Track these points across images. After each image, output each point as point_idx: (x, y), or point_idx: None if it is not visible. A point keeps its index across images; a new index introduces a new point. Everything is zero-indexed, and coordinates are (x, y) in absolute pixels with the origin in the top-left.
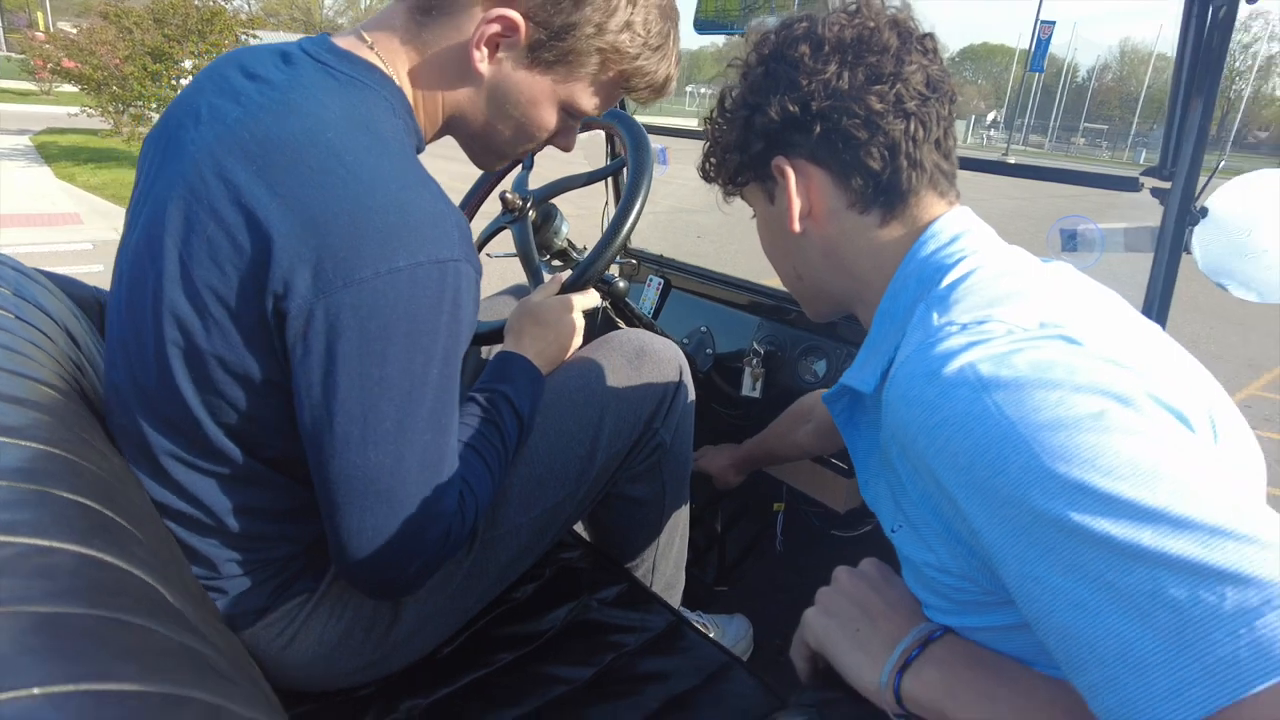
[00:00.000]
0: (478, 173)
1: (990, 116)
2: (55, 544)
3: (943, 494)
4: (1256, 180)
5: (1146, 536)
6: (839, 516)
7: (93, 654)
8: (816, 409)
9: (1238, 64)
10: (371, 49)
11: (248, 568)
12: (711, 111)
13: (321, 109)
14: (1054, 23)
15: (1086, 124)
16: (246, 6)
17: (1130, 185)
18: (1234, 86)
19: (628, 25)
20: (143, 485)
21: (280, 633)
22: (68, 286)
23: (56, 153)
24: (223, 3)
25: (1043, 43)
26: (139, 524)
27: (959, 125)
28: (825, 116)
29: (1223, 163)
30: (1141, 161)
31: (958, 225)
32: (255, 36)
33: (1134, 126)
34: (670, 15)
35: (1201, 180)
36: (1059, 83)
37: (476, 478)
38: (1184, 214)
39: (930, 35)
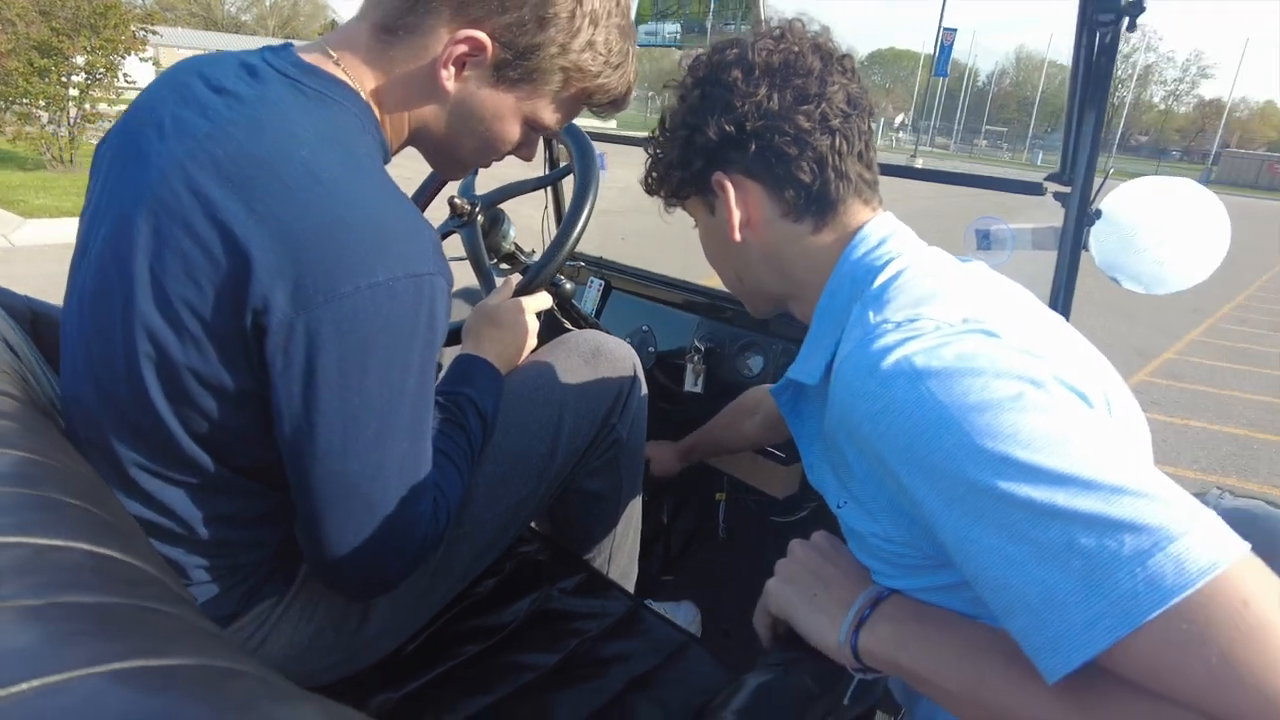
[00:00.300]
0: (419, 175)
1: (899, 119)
2: (68, 543)
3: (887, 472)
4: (1141, 186)
5: (1060, 497)
6: (777, 502)
7: (144, 634)
8: (764, 402)
9: (1119, 72)
10: (337, 64)
11: (217, 573)
12: (653, 131)
13: (293, 126)
14: (955, 30)
15: (988, 126)
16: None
17: (1036, 190)
18: (1117, 94)
19: (590, 45)
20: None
21: (250, 635)
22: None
23: None
24: None
25: (946, 48)
26: (129, 526)
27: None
28: (759, 135)
29: (1111, 165)
30: (1039, 163)
31: (883, 229)
32: (154, 32)
33: (1031, 129)
34: (629, 34)
35: (1096, 182)
36: (961, 87)
37: (448, 480)
38: (1082, 216)
39: (848, 56)
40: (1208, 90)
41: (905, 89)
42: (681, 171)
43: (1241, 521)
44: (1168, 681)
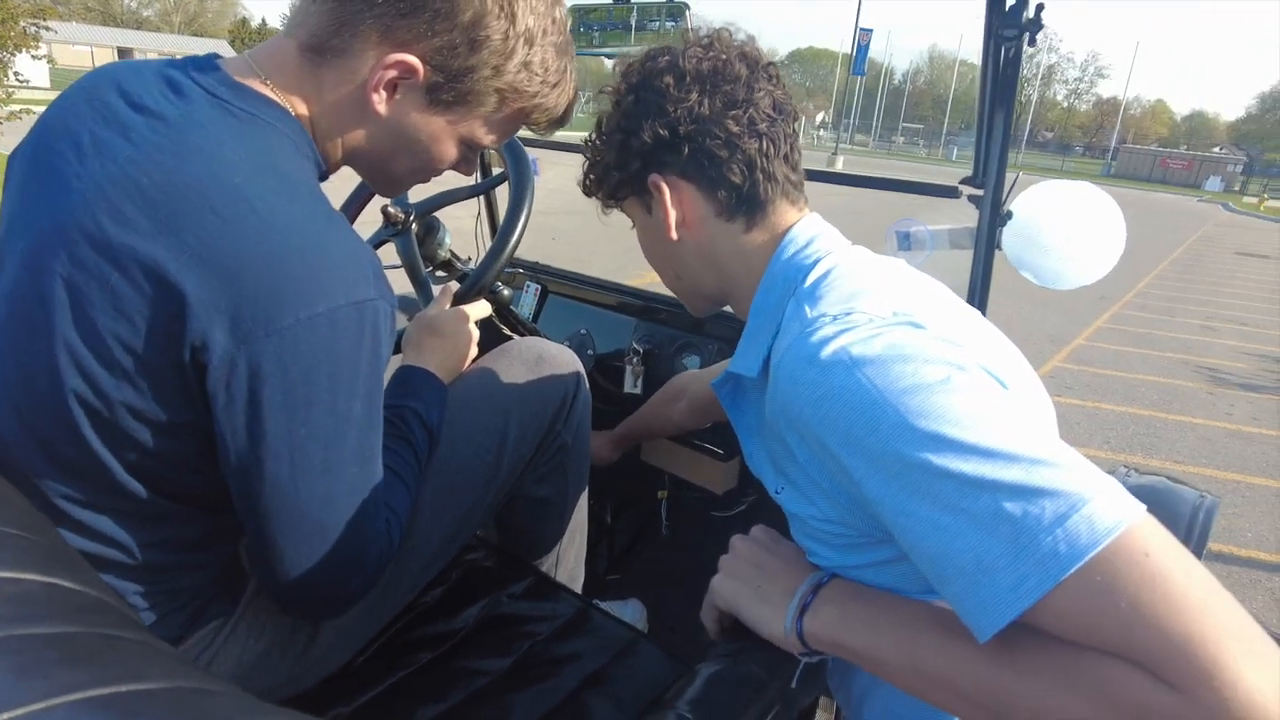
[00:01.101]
0: (349, 185)
1: (819, 117)
2: (19, 574)
3: (828, 455)
4: (1047, 189)
5: (987, 469)
6: (717, 498)
7: (111, 661)
8: (689, 387)
9: (1025, 72)
10: (266, 83)
11: (157, 599)
12: (590, 135)
13: (224, 150)
14: (872, 30)
15: (905, 124)
16: None
17: (952, 193)
18: (1023, 92)
19: (525, 65)
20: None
21: (196, 659)
22: None
23: None
24: None
25: (863, 48)
26: (72, 555)
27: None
28: (691, 139)
29: (1020, 160)
30: (954, 158)
31: (810, 230)
32: (47, 28)
33: (945, 125)
34: (566, 51)
35: (1007, 183)
36: (879, 85)
37: (397, 498)
38: (995, 216)
39: (773, 64)
40: (1105, 89)
41: (825, 88)
42: (619, 173)
43: (1146, 496)
44: (1085, 630)
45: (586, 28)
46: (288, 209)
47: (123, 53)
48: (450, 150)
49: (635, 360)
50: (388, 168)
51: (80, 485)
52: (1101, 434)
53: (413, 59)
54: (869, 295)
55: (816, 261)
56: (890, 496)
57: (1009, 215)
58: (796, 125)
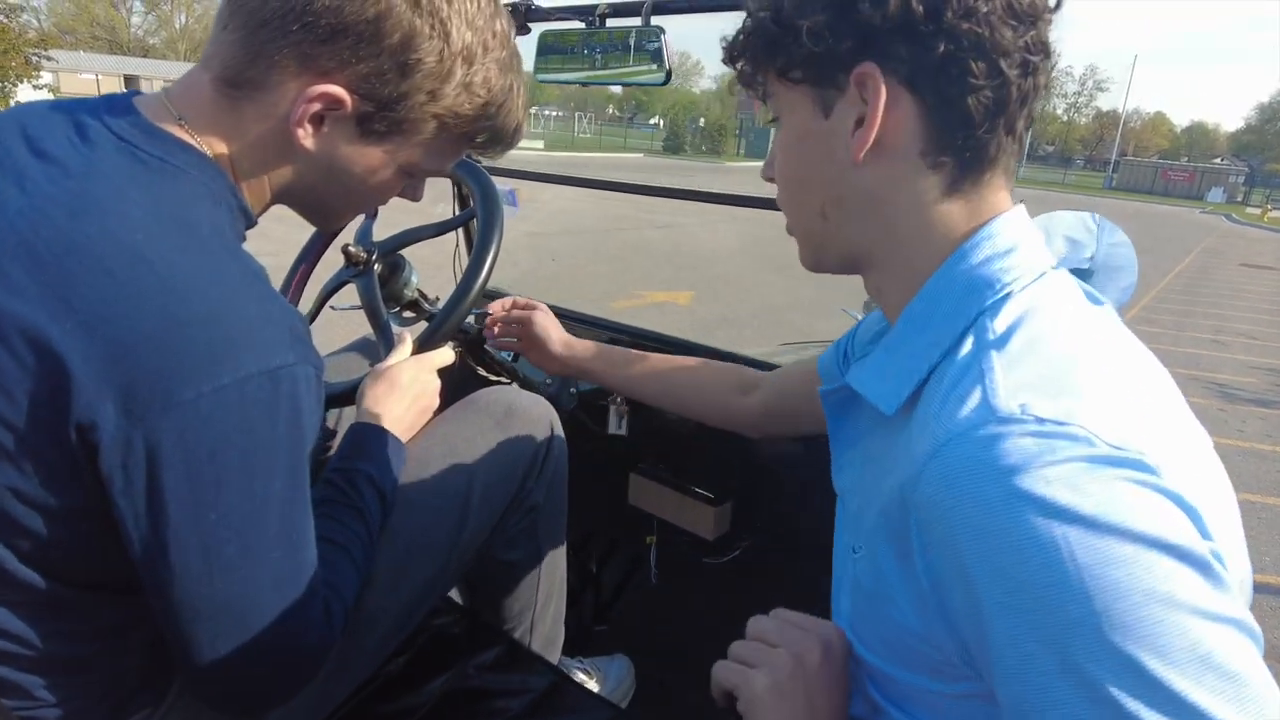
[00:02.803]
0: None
1: None
2: None
3: (963, 587)
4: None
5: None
6: (708, 544)
7: None
8: (764, 383)
9: None
10: (181, 123)
11: (69, 692)
12: None
13: (125, 204)
14: None
15: None
16: (36, 22)
17: None
18: None
19: (465, 87)
20: None
21: None
22: None
23: None
24: (3, 19)
25: None
26: None
27: None
28: (952, 35)
29: (1020, 173)
30: None
31: (1016, 233)
32: (49, 58)
33: None
34: (512, 67)
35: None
36: None
37: (341, 577)
38: None
39: None
40: (1104, 102)
41: None
42: (815, 43)
43: None
44: None
45: (557, 53)
46: (193, 268)
47: (129, 80)
48: (391, 181)
49: (619, 400)
50: (322, 204)
51: None
52: None
53: (337, 89)
54: (1091, 396)
55: (1013, 285)
56: (1018, 677)
57: None
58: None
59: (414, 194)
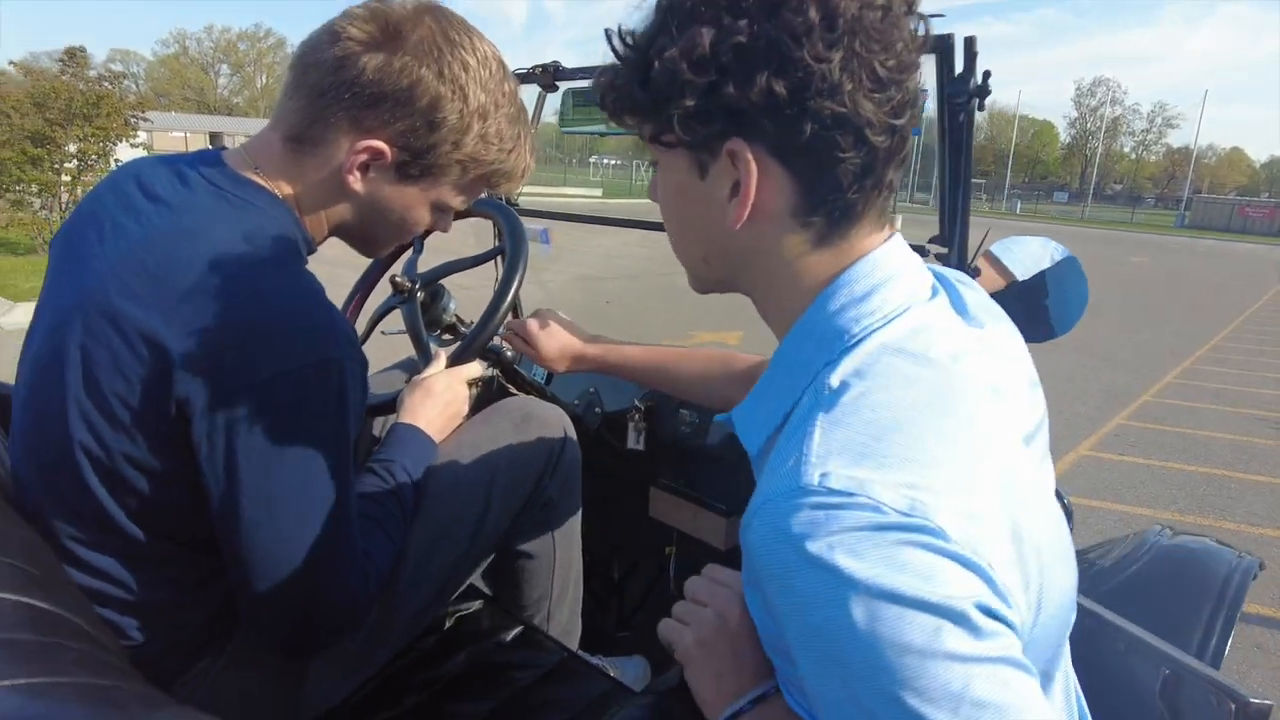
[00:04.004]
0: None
1: None
2: None
3: (780, 628)
4: (1007, 245)
5: None
6: (721, 554)
7: (45, 659)
8: (735, 362)
9: (1089, 125)
10: (257, 172)
11: (154, 635)
12: (630, 37)
13: (216, 232)
14: (926, 90)
15: None
16: (135, 87)
17: (920, 252)
18: (1088, 145)
19: (481, 138)
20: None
21: (192, 693)
22: None
23: None
24: (108, 86)
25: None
26: (61, 583)
27: None
28: (817, 116)
29: (1087, 212)
30: (1018, 211)
31: (881, 269)
32: (145, 119)
33: (1008, 180)
34: (519, 119)
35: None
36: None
37: (377, 546)
38: (963, 273)
39: (928, 35)
40: (1175, 139)
41: None
42: (685, 120)
43: (1179, 557)
44: None
45: (580, 106)
46: (267, 281)
47: (214, 137)
48: (423, 216)
49: (637, 417)
50: (369, 236)
51: (85, 527)
52: (1168, 494)
53: (380, 143)
54: (893, 462)
55: (864, 338)
56: (825, 707)
57: (975, 271)
58: None
59: (444, 226)
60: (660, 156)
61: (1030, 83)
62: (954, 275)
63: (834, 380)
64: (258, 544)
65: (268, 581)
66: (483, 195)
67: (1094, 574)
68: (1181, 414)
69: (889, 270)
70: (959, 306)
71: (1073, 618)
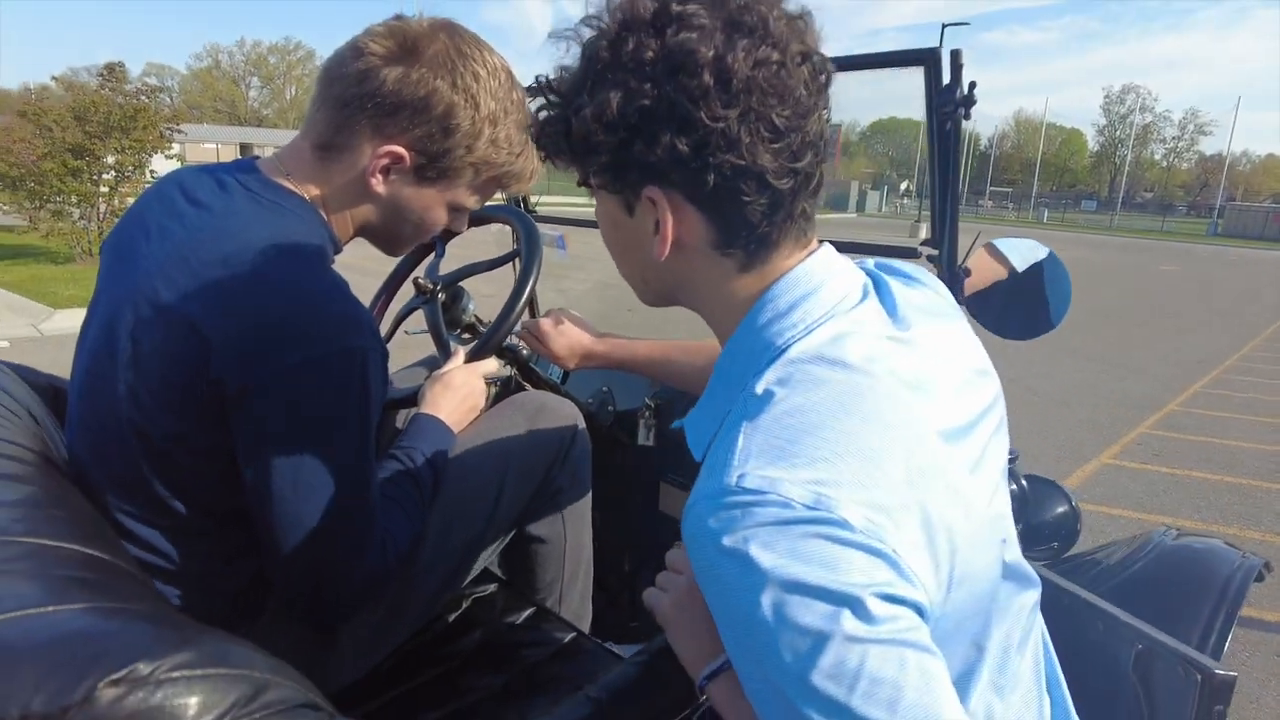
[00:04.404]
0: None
1: (904, 186)
2: (65, 544)
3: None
4: (1004, 241)
5: None
6: None
7: (113, 589)
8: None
9: (1118, 133)
10: (288, 178)
11: (195, 603)
12: (555, 91)
13: (251, 233)
14: (840, 124)
15: (993, 187)
16: (169, 100)
17: (912, 254)
18: (1117, 153)
19: (492, 142)
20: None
21: None
22: (25, 374)
23: None
24: (145, 100)
25: None
26: (119, 548)
27: (874, 195)
28: (719, 169)
29: (1116, 220)
30: (1045, 220)
31: (803, 283)
32: (180, 131)
33: (1035, 188)
34: (526, 126)
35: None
36: (963, 151)
37: (396, 524)
38: (953, 274)
39: (821, 55)
40: (1208, 146)
41: (908, 158)
42: (606, 172)
43: (1183, 556)
44: None
45: None
46: (297, 276)
47: (244, 148)
48: (440, 215)
49: (648, 414)
50: (391, 235)
51: (134, 502)
52: (1191, 503)
53: (399, 148)
54: (803, 461)
55: (786, 349)
56: (749, 679)
57: (966, 271)
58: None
59: (459, 226)
60: (594, 193)
61: (1058, 91)
62: (901, 277)
63: (759, 388)
64: (285, 515)
65: (294, 550)
66: (498, 200)
67: (1097, 572)
68: (1208, 423)
69: (810, 284)
70: (889, 308)
71: (1001, 591)
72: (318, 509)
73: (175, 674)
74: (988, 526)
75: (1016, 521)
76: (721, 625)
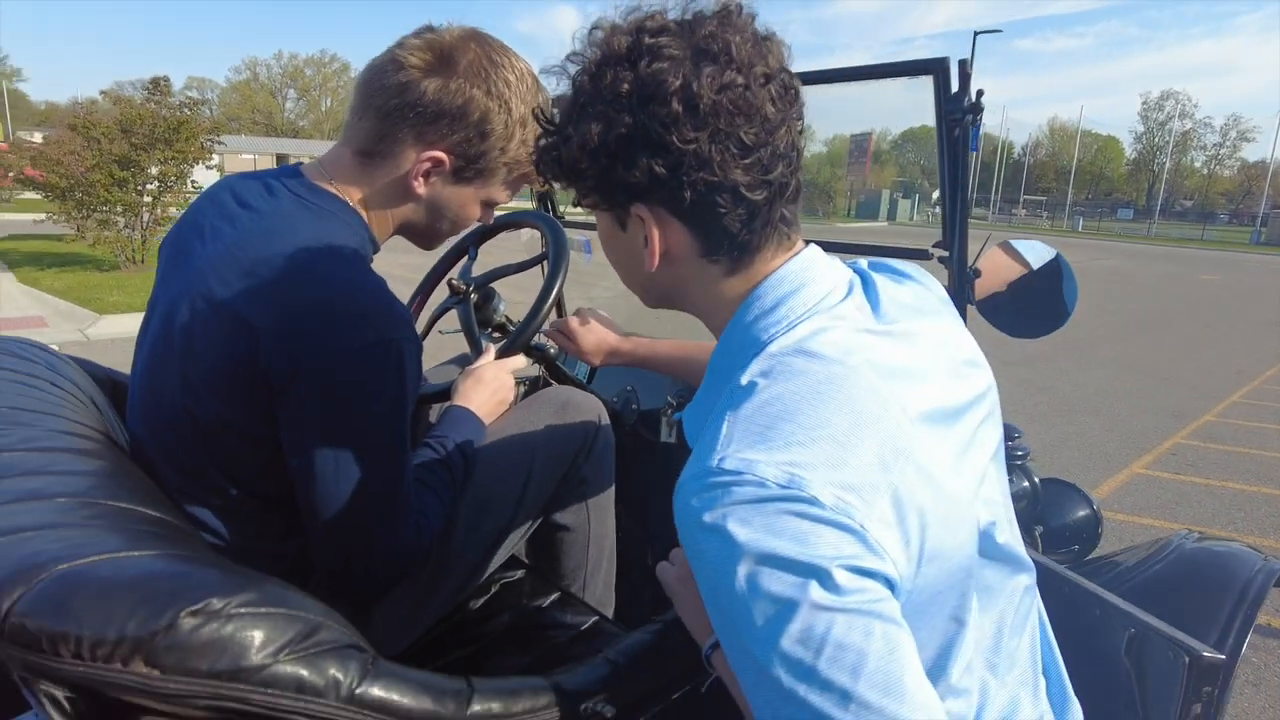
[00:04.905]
0: (429, 264)
1: (935, 194)
2: (136, 507)
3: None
4: (1018, 241)
5: (800, 689)
6: None
7: (183, 541)
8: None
9: (1156, 140)
10: (331, 183)
11: None
12: (550, 119)
13: (297, 234)
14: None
15: (1026, 196)
16: (209, 112)
17: (923, 255)
18: (1156, 160)
19: (523, 142)
20: None
21: None
22: (87, 367)
23: (19, 259)
24: (188, 112)
25: (975, 125)
26: (179, 514)
27: (905, 204)
28: (694, 186)
29: (1154, 229)
30: (1080, 229)
31: (784, 286)
32: (220, 142)
33: (1069, 197)
34: None
35: (979, 245)
36: (995, 160)
37: (429, 507)
38: (964, 275)
39: (788, 73)
40: (1251, 153)
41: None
42: (596, 194)
43: (1202, 558)
44: None
45: None
46: (339, 273)
47: (280, 158)
48: (476, 210)
49: (670, 412)
50: (429, 232)
51: (187, 481)
52: (1225, 514)
53: (440, 153)
54: (779, 445)
55: (769, 343)
56: (725, 643)
57: (976, 273)
58: (803, 138)
59: (488, 219)
60: (593, 210)
61: (1094, 98)
62: (890, 274)
63: (743, 380)
64: (326, 493)
65: (334, 526)
66: (529, 205)
67: (1117, 572)
68: (1245, 434)
69: (794, 283)
70: (873, 303)
71: (991, 573)
72: (357, 488)
73: (243, 610)
74: (965, 507)
75: (1035, 522)
76: (705, 598)
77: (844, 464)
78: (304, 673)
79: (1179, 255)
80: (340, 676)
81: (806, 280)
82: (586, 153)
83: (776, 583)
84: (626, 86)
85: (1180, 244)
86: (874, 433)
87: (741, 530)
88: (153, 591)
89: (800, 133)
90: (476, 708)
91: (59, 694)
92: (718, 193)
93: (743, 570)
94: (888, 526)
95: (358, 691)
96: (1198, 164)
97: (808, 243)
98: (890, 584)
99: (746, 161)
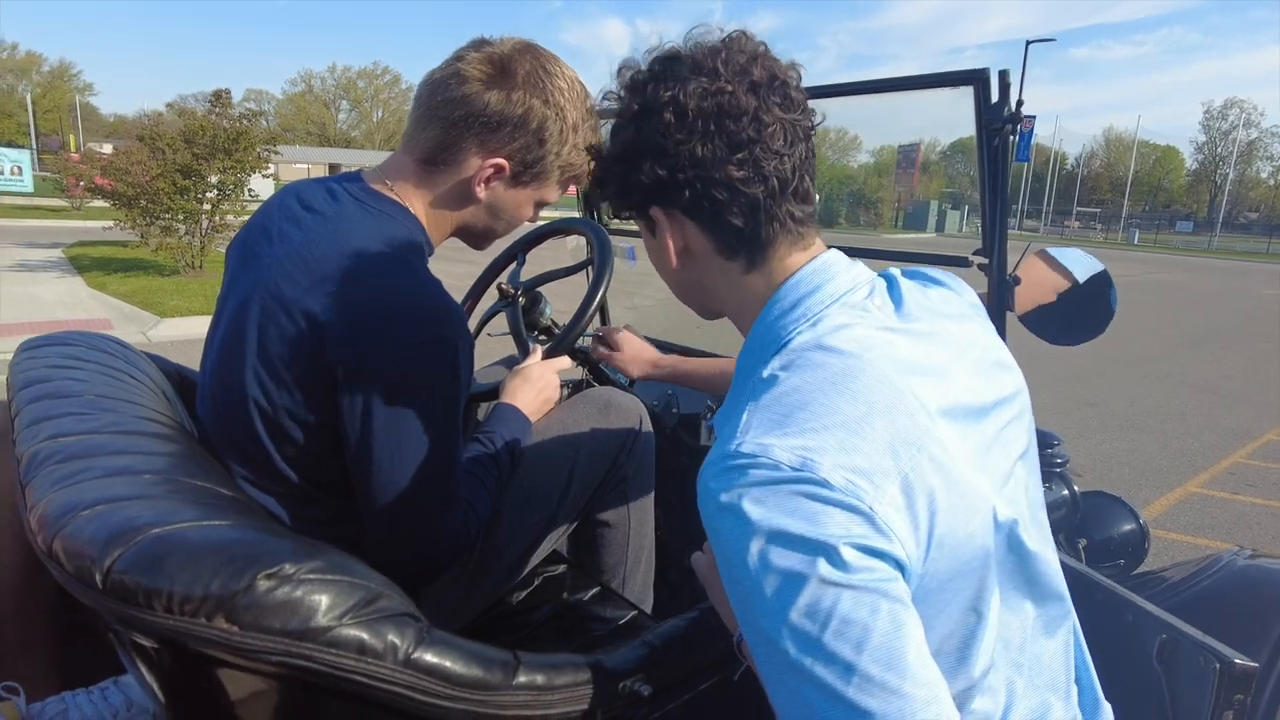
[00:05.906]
0: (477, 272)
1: None
2: (210, 485)
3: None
4: (1061, 252)
5: (806, 661)
6: None
7: (250, 514)
8: None
9: (1220, 150)
10: (391, 190)
11: None
12: (599, 147)
13: (358, 236)
14: (1035, 116)
15: (1079, 208)
16: (265, 124)
17: (963, 262)
18: (1218, 171)
19: (575, 147)
20: None
21: None
22: (158, 362)
23: (88, 264)
24: (247, 123)
25: (1025, 135)
26: (245, 490)
27: (954, 215)
28: (691, 184)
29: (1215, 242)
30: (1136, 242)
31: (805, 285)
32: (276, 152)
33: (1125, 209)
34: (599, 130)
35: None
36: (1048, 170)
37: (477, 497)
38: (1002, 282)
39: (786, 82)
40: None
41: None
42: (620, 200)
43: (1253, 575)
44: None
45: None
46: (398, 273)
47: (333, 168)
48: (529, 211)
49: (709, 415)
50: (487, 231)
51: (253, 470)
52: None
53: (502, 160)
54: (795, 432)
55: (790, 339)
56: (740, 620)
57: (1015, 280)
58: (811, 144)
59: (535, 216)
60: (629, 219)
61: (1152, 107)
62: (920, 279)
63: (765, 374)
64: (383, 483)
65: (389, 510)
66: (575, 213)
67: (1164, 587)
68: None
69: (814, 282)
70: (896, 303)
71: (995, 554)
72: (411, 475)
73: (312, 576)
74: (981, 499)
75: (1078, 535)
76: (723, 575)
77: (855, 449)
78: (365, 636)
79: (1241, 269)
80: (398, 641)
81: (826, 279)
82: (610, 162)
83: (786, 559)
84: (637, 107)
85: (1244, 257)
86: (886, 421)
87: (755, 509)
88: (233, 555)
89: (807, 138)
90: (522, 678)
91: (148, 645)
92: (714, 187)
93: (755, 547)
94: (897, 510)
95: (413, 656)
96: (1264, 174)
97: (829, 247)
98: (900, 566)
99: (738, 157)
